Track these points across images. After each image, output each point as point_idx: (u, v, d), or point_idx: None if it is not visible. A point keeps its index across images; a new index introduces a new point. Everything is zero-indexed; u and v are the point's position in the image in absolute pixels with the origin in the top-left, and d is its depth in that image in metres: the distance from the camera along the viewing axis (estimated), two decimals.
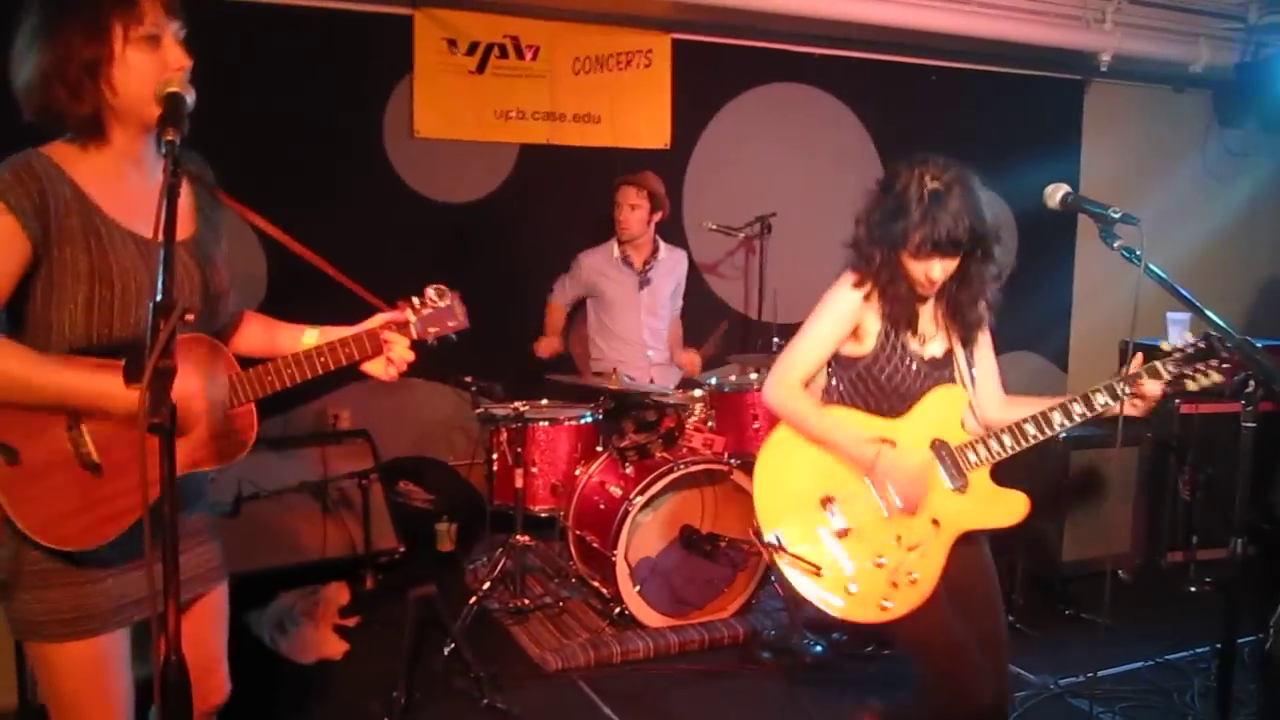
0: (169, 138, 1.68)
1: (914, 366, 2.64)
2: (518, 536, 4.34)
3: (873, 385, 2.66)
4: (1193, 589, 4.84)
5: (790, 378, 2.64)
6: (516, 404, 4.36)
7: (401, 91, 5.37)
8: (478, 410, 4.49)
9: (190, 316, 1.41)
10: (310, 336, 2.18)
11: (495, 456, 4.51)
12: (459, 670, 3.76)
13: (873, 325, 2.64)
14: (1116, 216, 2.40)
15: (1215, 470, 4.93)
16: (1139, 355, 2.60)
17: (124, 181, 1.91)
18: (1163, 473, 4.99)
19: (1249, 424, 2.29)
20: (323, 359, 2.01)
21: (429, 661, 3.81)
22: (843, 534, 2.58)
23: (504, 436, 4.45)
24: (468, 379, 4.49)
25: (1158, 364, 2.54)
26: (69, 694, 1.90)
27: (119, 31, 1.80)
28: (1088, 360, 7.01)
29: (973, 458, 2.61)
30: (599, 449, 4.58)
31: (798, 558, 2.54)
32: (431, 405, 5.59)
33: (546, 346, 5.16)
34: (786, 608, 4.33)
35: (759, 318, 5.73)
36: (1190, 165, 6.56)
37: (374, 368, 2.15)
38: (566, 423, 4.52)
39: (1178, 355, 2.53)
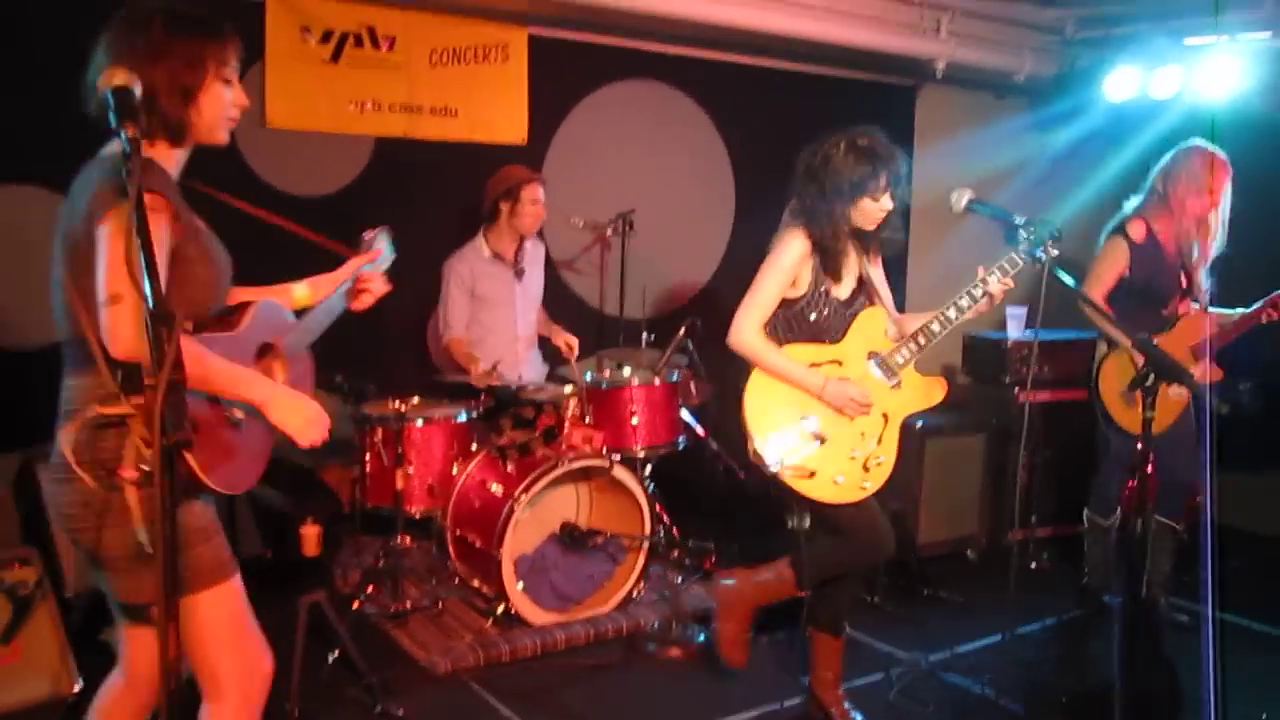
0: (130, 133, 1.59)
1: (833, 308, 3.34)
2: (400, 538, 4.25)
3: (804, 323, 3.33)
4: (1034, 565, 5.19)
5: (751, 323, 3.30)
6: (395, 403, 4.28)
7: (252, 80, 5.14)
8: (350, 410, 4.37)
9: (189, 324, 1.35)
10: (300, 289, 2.75)
11: (368, 457, 4.41)
12: (347, 677, 3.67)
13: (806, 275, 3.31)
14: (1019, 221, 2.57)
15: (1051, 454, 5.29)
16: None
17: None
18: (1004, 458, 5.33)
19: (1150, 413, 2.50)
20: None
21: (313, 670, 3.69)
22: (821, 440, 3.28)
23: (379, 436, 4.36)
24: (338, 379, 4.36)
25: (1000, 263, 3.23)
26: (237, 618, 2.29)
27: (211, 68, 2.24)
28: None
29: (899, 359, 3.35)
30: (474, 448, 4.54)
31: (794, 467, 3.23)
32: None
33: (478, 371, 4.57)
34: (668, 599, 4.41)
35: (620, 313, 5.80)
36: (1010, 169, 6.98)
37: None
38: (443, 421, 4.46)
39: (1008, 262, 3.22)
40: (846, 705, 3.56)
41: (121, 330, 1.89)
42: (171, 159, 2.26)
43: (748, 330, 3.29)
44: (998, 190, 6.51)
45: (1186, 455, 4.21)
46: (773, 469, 3.26)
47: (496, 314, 4.92)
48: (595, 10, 5.31)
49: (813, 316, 3.33)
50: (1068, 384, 5.31)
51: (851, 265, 3.41)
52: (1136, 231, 4.24)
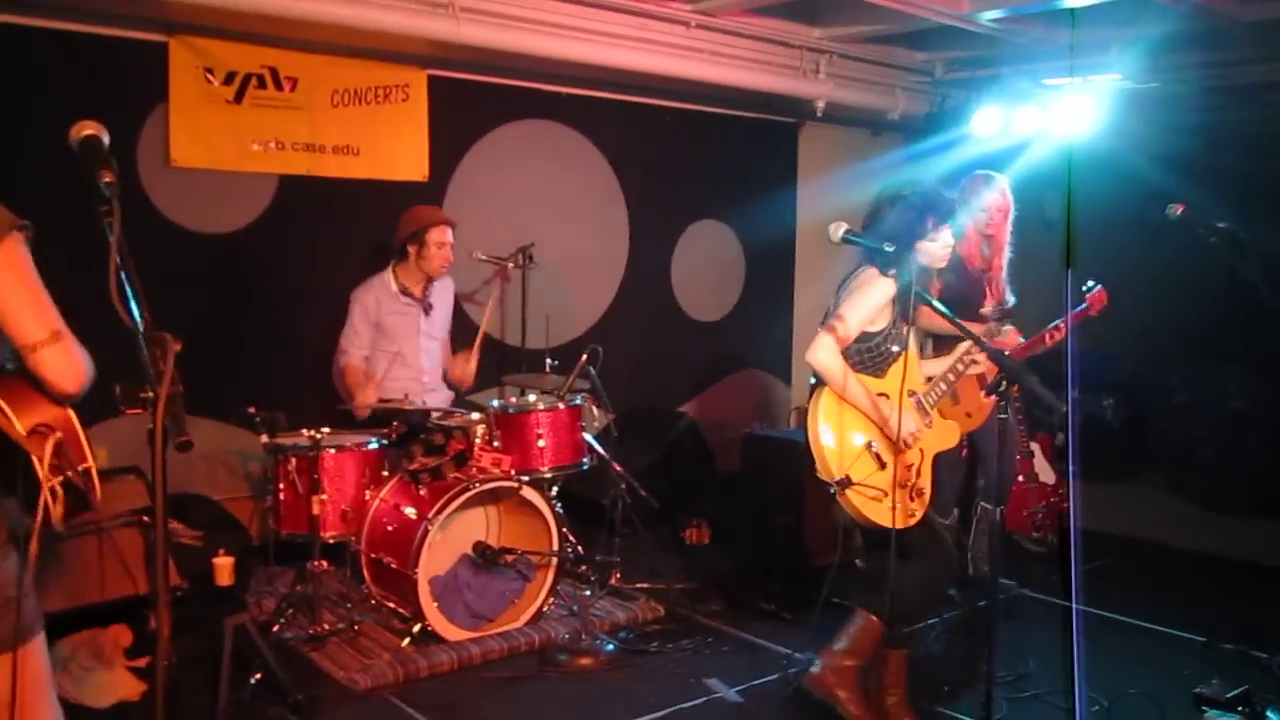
0: (107, 179, 1.77)
1: (899, 346, 3.62)
2: (317, 562, 4.38)
3: (873, 356, 3.60)
4: None
5: (832, 344, 3.50)
6: (309, 432, 4.41)
7: (156, 119, 5.25)
8: (264, 440, 4.49)
9: (178, 345, 1.53)
10: None
11: (282, 486, 4.52)
12: (270, 698, 3.78)
13: (886, 313, 3.58)
14: (889, 249, 2.88)
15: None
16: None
17: None
18: None
19: (1003, 415, 2.82)
20: None
21: (236, 692, 3.79)
22: (882, 466, 3.52)
23: (293, 465, 4.48)
24: (250, 410, 4.48)
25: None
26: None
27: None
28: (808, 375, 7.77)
29: (933, 399, 3.69)
30: (386, 473, 4.69)
31: (865, 486, 3.46)
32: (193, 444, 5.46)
33: (364, 400, 4.87)
34: (577, 613, 4.62)
35: (523, 343, 6.01)
36: None
37: None
38: (355, 449, 4.61)
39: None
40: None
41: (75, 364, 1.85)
42: None
43: (831, 351, 3.50)
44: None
45: (1002, 444, 4.59)
46: (840, 486, 3.44)
47: (400, 346, 5.10)
48: (491, 53, 5.57)
49: (881, 352, 3.60)
50: None
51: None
52: None
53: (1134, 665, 4.35)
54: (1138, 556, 6.09)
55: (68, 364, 1.83)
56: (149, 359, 1.46)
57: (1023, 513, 5.81)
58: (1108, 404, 8.28)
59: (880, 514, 3.48)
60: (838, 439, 3.51)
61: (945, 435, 3.79)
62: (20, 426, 1.91)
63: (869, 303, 3.51)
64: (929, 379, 3.74)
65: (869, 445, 3.51)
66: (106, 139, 1.90)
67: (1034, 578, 5.37)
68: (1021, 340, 4.73)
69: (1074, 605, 4.74)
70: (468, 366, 5.32)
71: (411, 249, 5.05)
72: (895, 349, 3.61)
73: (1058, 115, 6.61)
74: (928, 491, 3.66)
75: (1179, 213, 3.94)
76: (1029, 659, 4.33)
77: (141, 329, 1.51)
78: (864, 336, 3.58)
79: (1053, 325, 4.62)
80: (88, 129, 1.88)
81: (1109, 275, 4.70)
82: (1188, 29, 5.58)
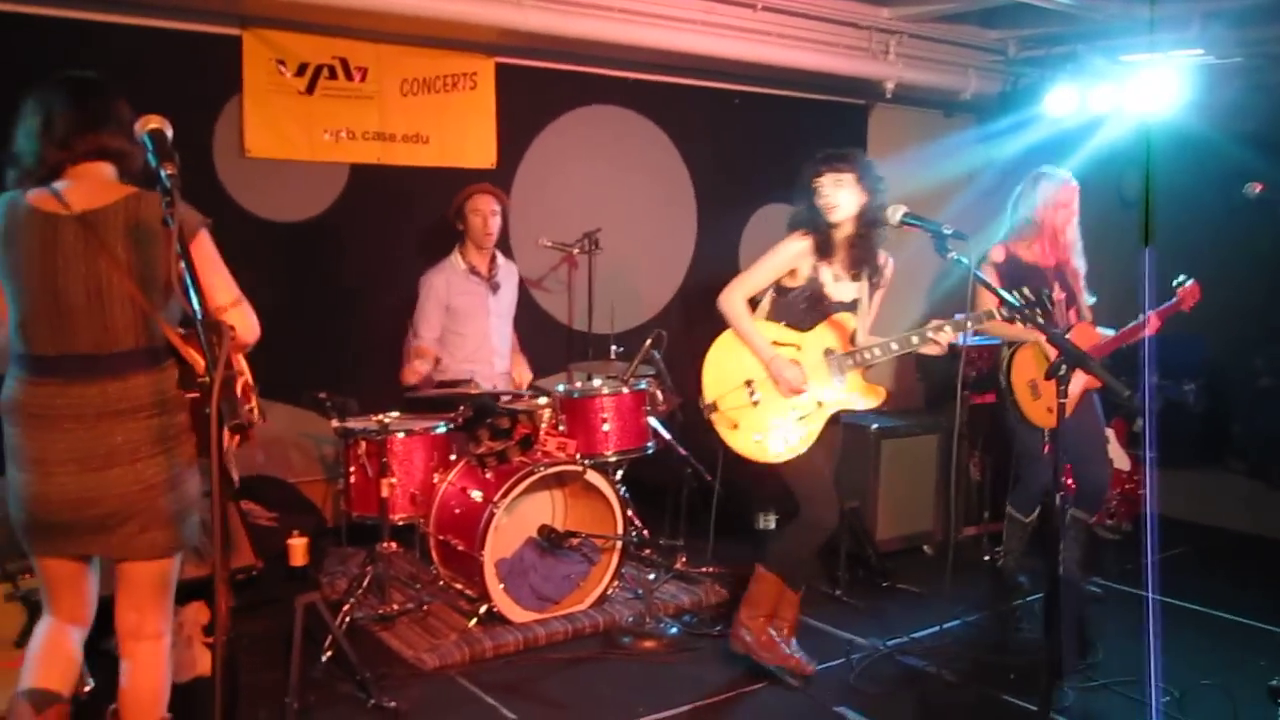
0: (169, 171, 1.83)
1: (826, 304, 3.93)
2: (385, 544, 4.47)
3: (792, 310, 3.96)
4: (986, 558, 5.47)
5: (739, 292, 3.95)
6: (379, 417, 4.50)
7: (231, 111, 5.38)
8: (334, 424, 4.58)
9: (234, 332, 1.58)
10: None
11: (352, 469, 4.62)
12: (340, 675, 3.89)
13: (804, 270, 3.92)
14: (948, 233, 2.85)
15: (1001, 453, 5.58)
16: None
17: None
18: (958, 457, 5.62)
19: (1062, 400, 2.78)
20: None
21: (308, 669, 3.89)
22: (755, 404, 3.90)
23: (362, 449, 4.57)
24: (322, 395, 4.58)
25: (956, 318, 3.76)
26: None
27: None
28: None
29: (849, 362, 3.91)
30: (453, 457, 4.77)
31: (724, 413, 3.88)
32: (267, 424, 5.60)
33: (413, 372, 5.03)
34: (642, 596, 4.65)
35: (589, 329, 6.05)
36: (960, 182, 7.31)
37: None
38: (423, 433, 4.69)
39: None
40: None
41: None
42: None
43: (733, 297, 3.94)
44: (947, 201, 6.82)
45: (1094, 447, 4.60)
46: (706, 409, 3.91)
47: (468, 326, 5.19)
48: (557, 40, 5.60)
49: (801, 307, 3.94)
50: None
51: (858, 280, 4.00)
52: (997, 254, 4.55)
53: (1208, 656, 4.26)
54: (1217, 544, 5.96)
55: (249, 321, 2.55)
56: (205, 345, 1.51)
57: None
58: (1189, 389, 8.09)
59: (737, 442, 3.91)
60: (721, 370, 3.96)
61: (857, 395, 3.97)
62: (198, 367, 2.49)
63: (775, 261, 3.94)
64: (861, 346, 3.93)
65: (748, 382, 3.91)
66: (170, 132, 1.96)
67: (1107, 566, 5.28)
68: (1109, 333, 4.60)
69: (1149, 595, 4.67)
70: (524, 374, 5.44)
71: (459, 225, 5.18)
72: (815, 306, 3.94)
73: (1136, 93, 6.46)
74: (807, 438, 3.89)
75: (1258, 191, 3.82)
76: (1099, 648, 4.25)
77: (200, 316, 1.56)
78: (780, 289, 3.99)
79: (1141, 319, 4.48)
80: (153, 122, 1.95)
81: (1191, 256, 4.59)
82: (1271, 0, 5.40)
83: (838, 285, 3.96)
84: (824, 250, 3.89)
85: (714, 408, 3.91)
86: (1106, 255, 5.16)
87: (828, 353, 3.94)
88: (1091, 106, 6.70)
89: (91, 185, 2.54)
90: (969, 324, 3.75)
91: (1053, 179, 4.58)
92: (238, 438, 2.44)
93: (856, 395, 3.97)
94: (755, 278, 3.98)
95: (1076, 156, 6.65)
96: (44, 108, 2.55)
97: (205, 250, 2.59)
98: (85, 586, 2.78)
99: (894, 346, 3.87)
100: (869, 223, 3.87)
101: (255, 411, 2.72)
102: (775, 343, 3.93)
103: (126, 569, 2.70)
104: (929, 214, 3.59)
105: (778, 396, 3.90)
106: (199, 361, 2.43)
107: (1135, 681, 3.96)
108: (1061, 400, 2.76)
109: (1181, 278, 4.45)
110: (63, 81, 2.59)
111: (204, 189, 5.33)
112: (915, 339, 3.82)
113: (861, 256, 3.94)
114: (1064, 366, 2.74)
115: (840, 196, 3.86)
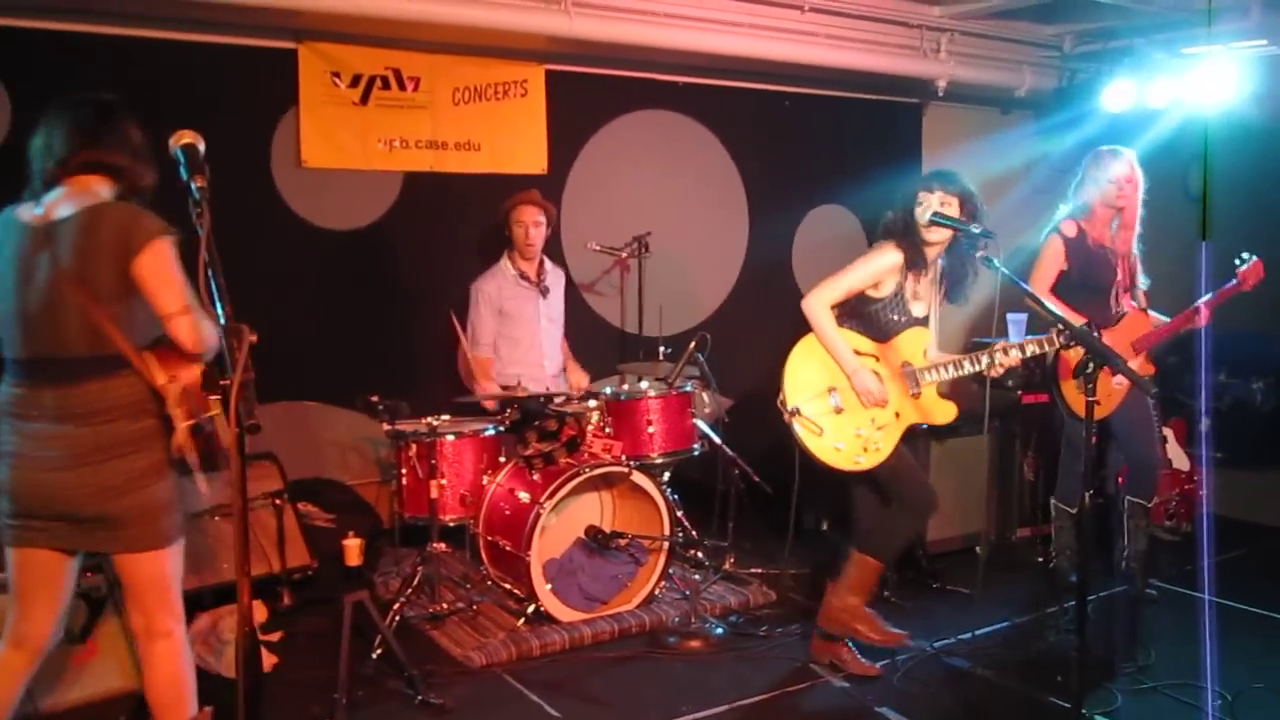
0: (199, 184, 1.92)
1: (903, 318, 3.99)
2: (435, 545, 4.56)
3: (874, 321, 3.99)
4: (1040, 559, 5.40)
5: (825, 298, 3.93)
6: (429, 420, 4.59)
7: (288, 123, 5.53)
8: (386, 427, 4.69)
9: (254, 337, 1.66)
10: None
11: (404, 471, 4.72)
12: (390, 672, 3.98)
13: (890, 283, 3.95)
14: (977, 231, 2.84)
15: (1055, 453, 5.51)
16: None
17: None
18: (1010, 457, 5.56)
19: (1092, 398, 2.76)
20: None
21: (358, 666, 3.99)
22: (838, 411, 3.92)
23: (413, 452, 4.67)
24: (374, 399, 4.68)
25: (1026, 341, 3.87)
26: None
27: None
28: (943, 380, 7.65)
29: (926, 377, 3.96)
30: (502, 459, 4.84)
31: (806, 419, 3.87)
32: (324, 427, 5.76)
33: (482, 390, 5.12)
34: (688, 596, 4.68)
35: (640, 331, 6.09)
36: (1017, 180, 7.22)
37: None
38: (472, 435, 4.77)
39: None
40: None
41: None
42: None
43: (820, 303, 3.93)
44: (1003, 196, 6.76)
45: (1143, 433, 4.58)
46: (790, 414, 3.89)
47: (520, 330, 5.29)
48: (606, 46, 5.66)
49: (882, 319, 3.99)
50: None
51: (929, 292, 4.06)
52: (1069, 229, 4.58)
53: (1264, 659, 4.17)
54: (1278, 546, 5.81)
55: (191, 331, 2.50)
56: (226, 349, 1.59)
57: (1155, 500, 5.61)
58: (1257, 387, 7.90)
59: (818, 448, 3.90)
60: (805, 375, 3.95)
61: (930, 410, 4.05)
62: (160, 378, 2.59)
63: (866, 266, 3.95)
64: (936, 362, 3.99)
65: (830, 390, 3.93)
66: (202, 146, 2.05)
67: (1165, 567, 5.19)
68: (1163, 319, 4.59)
69: (1206, 596, 4.59)
70: (582, 378, 5.50)
71: (507, 231, 5.28)
72: (896, 318, 3.98)
73: (1196, 85, 6.34)
74: (885, 449, 3.93)
75: None
76: (1151, 650, 4.19)
77: (223, 321, 1.64)
78: (865, 300, 3.99)
79: (1200, 302, 4.44)
80: (186, 137, 2.03)
81: (1254, 251, 4.49)
82: None
83: (916, 300, 4.03)
84: (913, 264, 3.92)
85: (796, 412, 3.91)
86: (1172, 249, 5.09)
87: (904, 365, 3.99)
88: (1149, 100, 6.59)
89: (74, 198, 2.65)
90: (1029, 348, 3.85)
91: (1118, 156, 4.59)
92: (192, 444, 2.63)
93: (929, 409, 4.04)
94: (844, 284, 3.97)
95: (1138, 151, 6.56)
96: (51, 124, 2.68)
97: (160, 259, 2.60)
98: (58, 587, 2.84)
99: (967, 366, 3.95)
100: (963, 249, 3.88)
101: (216, 421, 2.72)
102: (856, 352, 3.95)
103: (120, 567, 2.79)
104: (988, 216, 3.64)
105: (859, 406, 3.92)
106: (155, 375, 2.57)
107: (1187, 685, 3.90)
108: (1092, 399, 2.74)
109: (1245, 255, 4.40)
110: (72, 100, 2.71)
111: (262, 199, 5.50)
112: (986, 360, 3.90)
113: (953, 280, 4.00)
114: (1090, 365, 2.72)
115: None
